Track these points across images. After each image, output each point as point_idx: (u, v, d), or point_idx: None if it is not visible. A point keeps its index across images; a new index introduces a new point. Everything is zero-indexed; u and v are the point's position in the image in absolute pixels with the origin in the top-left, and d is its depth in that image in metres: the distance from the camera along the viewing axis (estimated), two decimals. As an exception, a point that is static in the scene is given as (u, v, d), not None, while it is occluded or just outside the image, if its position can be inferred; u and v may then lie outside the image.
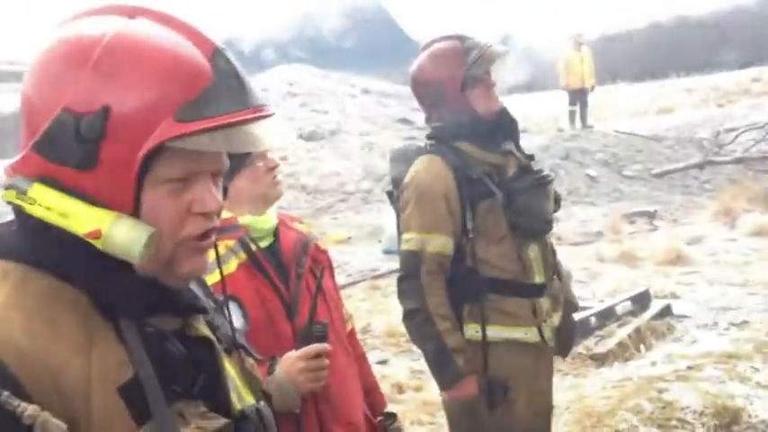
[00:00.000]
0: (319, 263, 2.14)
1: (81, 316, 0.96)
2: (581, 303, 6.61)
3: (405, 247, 2.75)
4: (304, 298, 2.02)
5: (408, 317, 2.73)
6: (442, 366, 2.69)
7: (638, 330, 5.93)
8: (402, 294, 2.77)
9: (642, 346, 5.77)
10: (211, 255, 1.13)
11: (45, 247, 0.98)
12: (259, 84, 18.95)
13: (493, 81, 2.77)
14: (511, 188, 2.73)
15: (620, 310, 6.27)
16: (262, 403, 1.17)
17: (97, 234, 0.95)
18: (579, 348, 5.68)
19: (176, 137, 0.95)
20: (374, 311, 7.18)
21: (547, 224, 2.81)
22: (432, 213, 2.70)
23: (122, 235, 0.95)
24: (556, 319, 2.85)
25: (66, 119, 0.95)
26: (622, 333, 5.85)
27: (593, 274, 8.17)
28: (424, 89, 2.82)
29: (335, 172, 14.40)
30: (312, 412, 1.97)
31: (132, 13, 1.03)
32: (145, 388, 0.96)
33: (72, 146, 0.95)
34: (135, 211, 0.98)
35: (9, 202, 0.98)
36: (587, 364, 5.50)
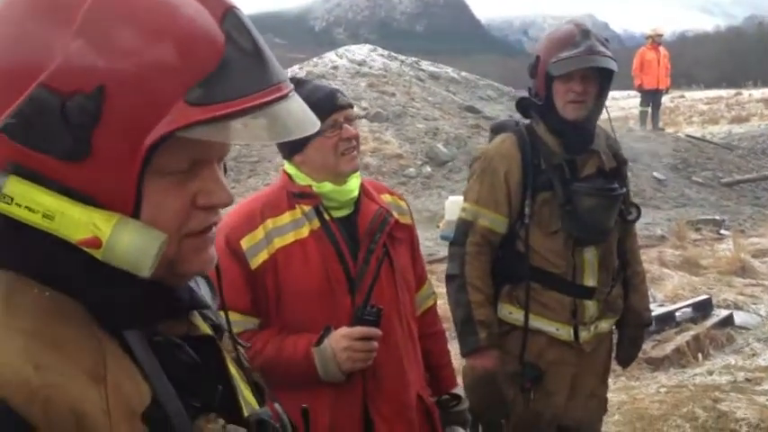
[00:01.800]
0: (396, 239, 2.13)
1: (85, 333, 0.80)
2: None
3: (460, 215, 2.84)
4: (370, 274, 2.02)
5: (448, 280, 2.83)
6: (465, 334, 2.75)
7: (697, 338, 5.82)
8: (449, 258, 2.87)
9: (700, 355, 5.66)
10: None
11: (29, 252, 0.80)
12: (327, 62, 19.03)
13: (580, 88, 2.66)
14: (573, 189, 2.70)
15: (679, 316, 6.17)
16: (277, 405, 1.04)
17: (96, 242, 0.78)
18: (634, 350, 5.61)
19: (191, 124, 0.77)
20: (429, 295, 7.18)
21: (600, 234, 2.77)
22: (490, 190, 2.75)
23: (128, 244, 0.79)
24: (604, 325, 2.85)
25: (46, 98, 0.76)
26: (681, 339, 5.76)
27: (654, 278, 8.02)
28: (532, 56, 2.82)
29: (398, 154, 14.38)
30: (358, 386, 1.99)
31: None
32: (167, 411, 0.81)
33: (56, 131, 0.76)
34: (135, 209, 0.80)
35: None
36: (642, 367, 5.43)
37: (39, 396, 0.72)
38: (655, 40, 16.03)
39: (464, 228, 2.79)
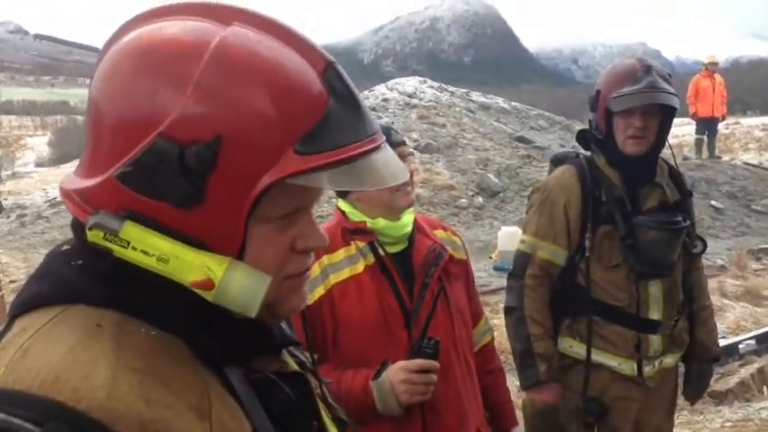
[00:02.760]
0: (451, 274, 2.14)
1: (190, 370, 0.83)
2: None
3: (519, 247, 2.84)
4: (426, 308, 2.01)
5: (507, 313, 2.82)
6: (525, 368, 2.73)
7: (761, 370, 5.66)
8: (507, 291, 2.86)
9: (765, 388, 5.49)
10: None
11: (137, 292, 0.84)
12: (378, 95, 19.22)
13: (640, 124, 2.64)
14: (635, 222, 2.67)
15: (743, 348, 6.02)
16: None
17: (208, 284, 0.82)
18: (697, 384, 5.48)
19: (299, 172, 0.81)
20: (483, 327, 7.13)
21: (663, 268, 2.72)
22: (549, 222, 2.74)
23: (239, 286, 0.83)
24: (669, 360, 2.80)
25: (165, 147, 0.79)
26: (745, 372, 5.60)
27: (715, 310, 7.76)
28: (592, 89, 2.81)
29: (449, 185, 14.40)
30: (417, 421, 1.98)
31: (226, 15, 0.86)
32: None
33: (174, 179, 0.80)
34: (240, 253, 0.84)
35: (95, 244, 0.82)
36: (705, 401, 5.28)
37: (150, 429, 0.75)
38: (709, 68, 15.81)
39: (523, 260, 2.79)
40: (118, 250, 0.82)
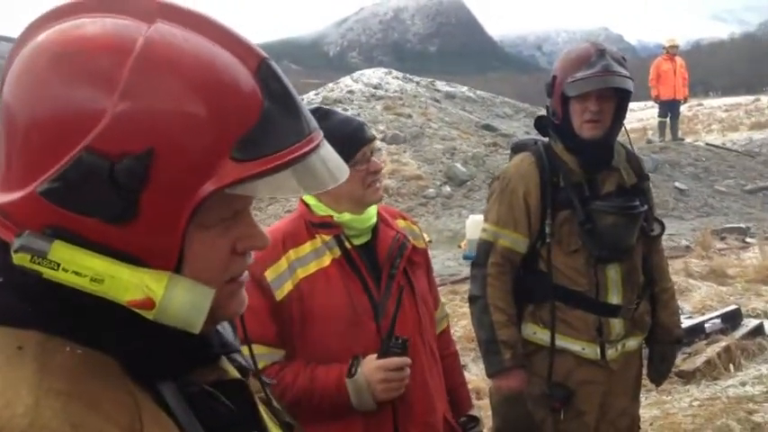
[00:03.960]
0: (414, 263, 2.15)
1: (119, 389, 0.78)
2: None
3: (481, 235, 2.86)
4: (393, 300, 2.02)
5: (471, 302, 2.85)
6: (490, 355, 2.76)
7: (727, 349, 5.72)
8: (471, 280, 2.88)
9: (731, 366, 5.57)
10: None
11: (60, 311, 0.78)
12: (343, 87, 19.16)
13: (596, 108, 2.65)
14: (592, 207, 2.69)
15: (709, 327, 6.08)
16: None
17: (148, 304, 0.77)
18: (665, 364, 5.55)
19: (238, 181, 0.76)
20: (453, 316, 7.14)
21: (621, 252, 2.75)
22: (509, 210, 2.76)
23: (181, 303, 0.78)
24: (632, 343, 2.83)
25: (93, 162, 0.74)
26: (711, 351, 5.67)
27: (681, 290, 7.92)
28: (549, 75, 2.82)
29: (417, 175, 14.41)
30: (388, 412, 2.00)
31: (147, 11, 0.79)
32: None
33: (103, 195, 0.75)
34: (178, 264, 0.80)
35: (22, 268, 0.76)
36: (673, 381, 5.35)
37: None
38: (670, 51, 15.99)
39: (485, 248, 2.80)
40: (47, 272, 0.76)
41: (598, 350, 2.75)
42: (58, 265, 0.76)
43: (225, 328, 0.96)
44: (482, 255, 2.80)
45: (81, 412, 0.73)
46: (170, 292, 0.78)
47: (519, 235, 2.75)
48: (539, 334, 2.78)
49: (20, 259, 0.76)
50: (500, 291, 2.73)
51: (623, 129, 2.84)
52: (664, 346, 2.94)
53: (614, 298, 2.74)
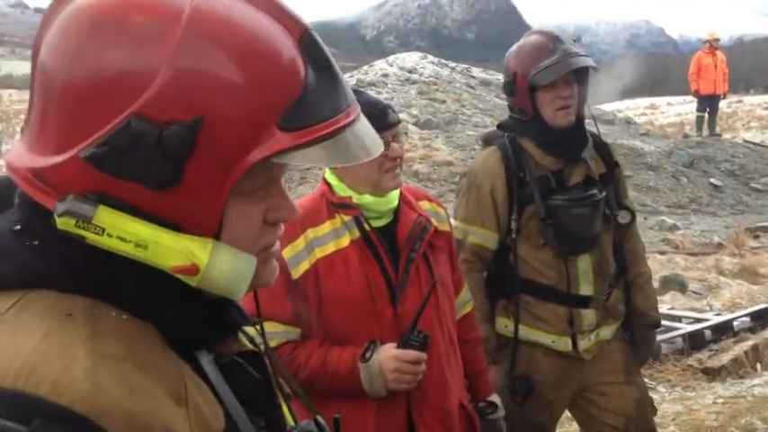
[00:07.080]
0: (436, 247, 2.12)
1: (165, 356, 0.79)
2: (696, 315, 6.43)
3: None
4: (412, 284, 2.01)
5: None
6: None
7: (755, 348, 5.66)
8: None
9: (759, 365, 5.50)
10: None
11: (108, 276, 0.78)
12: (378, 70, 19.12)
13: (566, 93, 2.66)
14: (551, 203, 2.67)
15: (737, 325, 6.02)
16: (319, 417, 1.03)
17: (193, 270, 0.77)
18: (691, 361, 5.50)
19: (286, 150, 0.77)
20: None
21: (585, 243, 2.72)
22: (477, 206, 2.75)
23: (225, 270, 0.79)
24: (606, 331, 2.81)
25: (142, 128, 0.73)
26: (739, 349, 5.60)
27: (711, 287, 7.85)
28: (504, 76, 2.82)
29: (448, 161, 14.37)
30: (401, 396, 1.99)
31: None
32: (242, 431, 0.83)
33: (150, 161, 0.74)
34: (217, 232, 0.80)
35: (66, 233, 0.75)
36: (698, 377, 5.30)
37: (137, 423, 0.71)
38: (712, 45, 15.71)
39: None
40: (92, 237, 0.75)
41: (570, 342, 2.74)
42: (103, 230, 0.75)
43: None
44: None
45: (136, 377, 0.73)
46: (214, 258, 0.78)
47: (487, 231, 2.74)
48: (509, 327, 2.77)
49: (64, 224, 0.75)
50: (471, 287, 2.65)
51: (589, 111, 2.84)
52: (641, 330, 2.90)
53: (586, 289, 2.73)
